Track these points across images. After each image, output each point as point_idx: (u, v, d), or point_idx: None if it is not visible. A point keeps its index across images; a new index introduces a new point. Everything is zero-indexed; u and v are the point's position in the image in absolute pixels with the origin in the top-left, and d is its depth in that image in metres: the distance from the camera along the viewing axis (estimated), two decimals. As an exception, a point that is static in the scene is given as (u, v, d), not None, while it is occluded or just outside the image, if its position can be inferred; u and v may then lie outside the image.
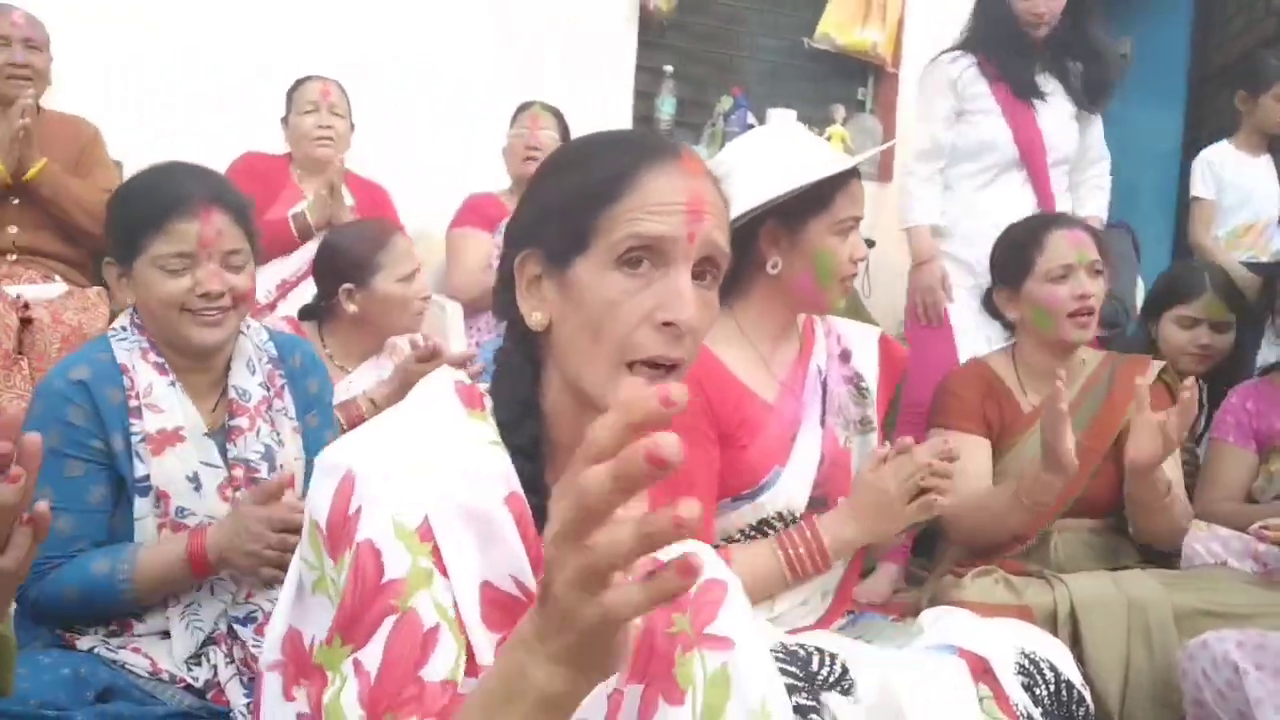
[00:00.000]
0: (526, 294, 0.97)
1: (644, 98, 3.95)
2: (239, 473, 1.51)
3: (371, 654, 0.83)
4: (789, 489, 1.62)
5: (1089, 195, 3.09)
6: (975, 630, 1.58)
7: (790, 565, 1.58)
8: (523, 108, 3.15)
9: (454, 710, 0.81)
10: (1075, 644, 1.81)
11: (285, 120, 3.06)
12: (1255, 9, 4.31)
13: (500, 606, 0.90)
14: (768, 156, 1.62)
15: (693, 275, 0.95)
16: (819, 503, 1.65)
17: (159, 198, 1.48)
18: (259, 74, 3.32)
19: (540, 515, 0.96)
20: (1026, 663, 1.52)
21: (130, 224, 1.49)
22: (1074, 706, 1.51)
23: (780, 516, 1.62)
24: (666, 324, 0.92)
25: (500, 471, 0.92)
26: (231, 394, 1.55)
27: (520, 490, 0.93)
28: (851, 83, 4.32)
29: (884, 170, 4.19)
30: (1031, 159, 2.95)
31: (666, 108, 3.96)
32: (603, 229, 0.93)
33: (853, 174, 1.63)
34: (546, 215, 0.97)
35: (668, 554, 0.89)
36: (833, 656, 1.43)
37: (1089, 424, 2.05)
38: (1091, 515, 2.08)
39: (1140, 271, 3.68)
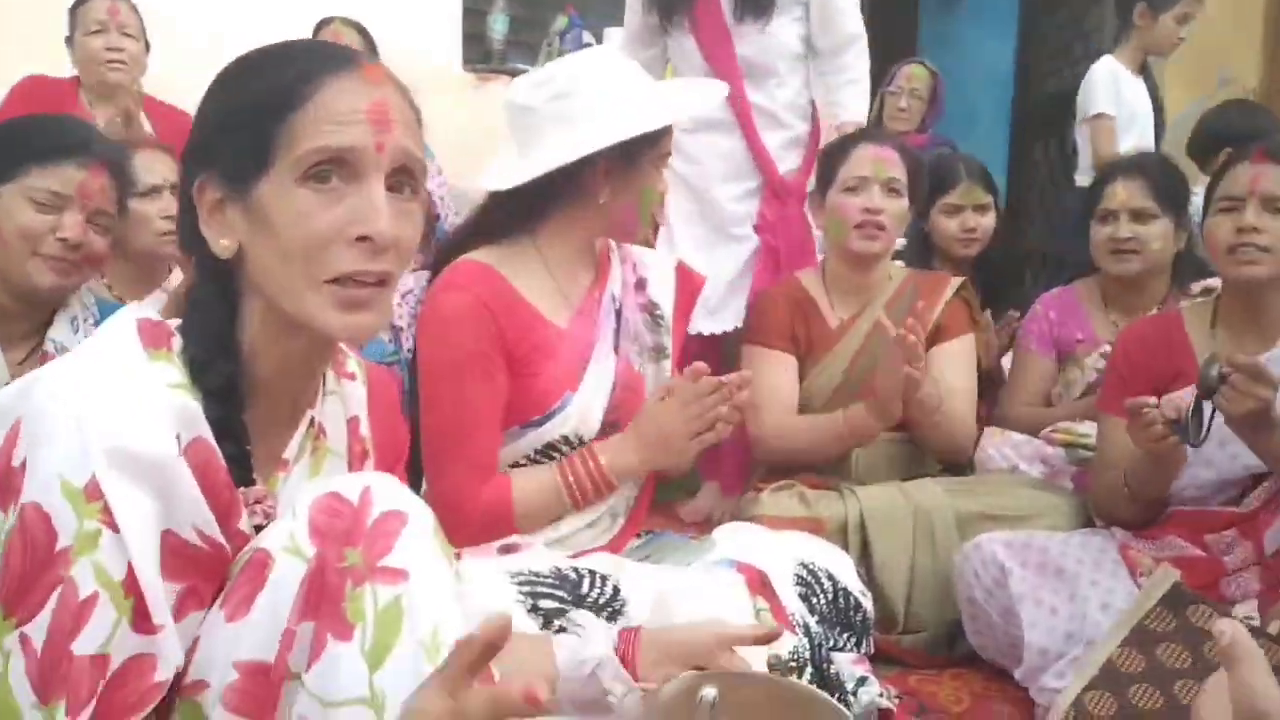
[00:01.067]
0: (210, 221, 0.92)
1: (474, 15, 3.82)
2: None
3: (38, 627, 0.78)
4: (580, 414, 1.61)
5: (839, 94, 2.60)
6: (759, 545, 1.61)
7: (570, 490, 1.57)
8: (322, 23, 2.97)
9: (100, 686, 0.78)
10: (865, 551, 1.87)
11: (70, 40, 2.83)
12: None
13: (182, 555, 0.85)
14: (617, 93, 1.58)
15: (388, 188, 0.91)
16: (612, 428, 1.64)
17: (59, 135, 1.51)
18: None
19: (237, 460, 0.91)
20: (805, 573, 1.55)
21: (15, 147, 1.48)
22: (851, 613, 1.56)
23: (567, 440, 1.61)
24: (361, 238, 0.89)
25: (180, 416, 0.86)
26: (49, 347, 1.53)
27: (207, 435, 0.88)
28: None
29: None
30: (718, 67, 2.53)
31: (499, 26, 3.84)
32: (284, 144, 0.88)
33: None
34: (221, 134, 0.92)
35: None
36: (604, 578, 1.43)
37: (890, 341, 2.08)
38: (891, 429, 2.12)
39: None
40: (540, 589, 1.39)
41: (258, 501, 0.95)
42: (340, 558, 0.82)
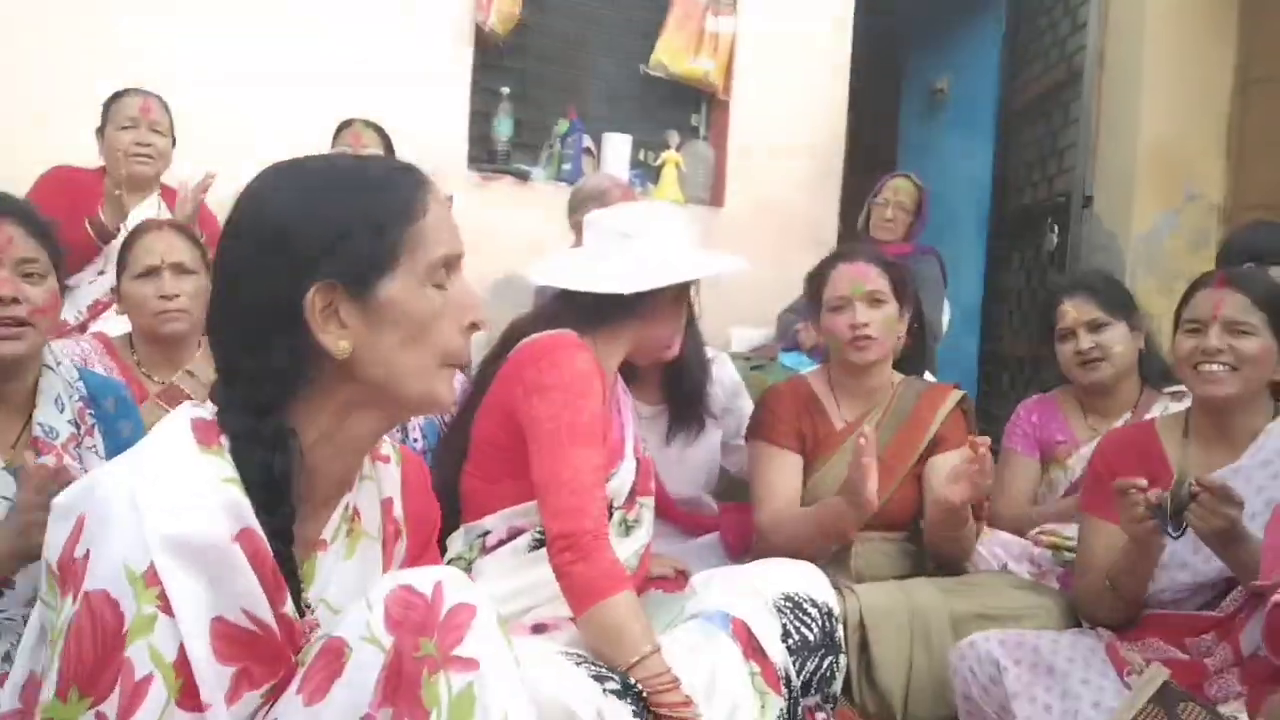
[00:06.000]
0: (324, 328, 0.99)
1: (480, 118, 3.98)
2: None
3: (112, 706, 0.85)
4: (622, 480, 1.84)
5: None
6: (740, 587, 1.74)
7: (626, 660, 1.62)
8: (344, 125, 3.12)
9: None
10: (864, 648, 1.94)
11: (100, 133, 2.95)
12: (1051, 56, 4.66)
13: (232, 640, 0.92)
14: (684, 235, 1.92)
15: None
16: (630, 496, 1.85)
17: None
18: (77, 87, 3.19)
19: (283, 552, 0.98)
20: (791, 605, 1.71)
21: None
22: (834, 634, 1.73)
23: (611, 501, 1.79)
24: (473, 325, 1.06)
25: (232, 508, 0.94)
26: (38, 431, 1.54)
27: (255, 526, 0.95)
28: (685, 109, 4.46)
29: (717, 195, 4.35)
30: None
31: (503, 128, 4.00)
32: (408, 249, 1.01)
33: None
34: (340, 243, 0.99)
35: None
36: None
37: (890, 444, 2.19)
38: (890, 529, 2.21)
39: (949, 294, 3.93)
40: (593, 665, 1.51)
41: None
42: (416, 647, 0.90)
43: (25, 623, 1.41)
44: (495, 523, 1.78)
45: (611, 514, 1.79)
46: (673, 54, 4.24)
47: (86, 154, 2.98)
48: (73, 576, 0.88)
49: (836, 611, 1.72)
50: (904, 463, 2.21)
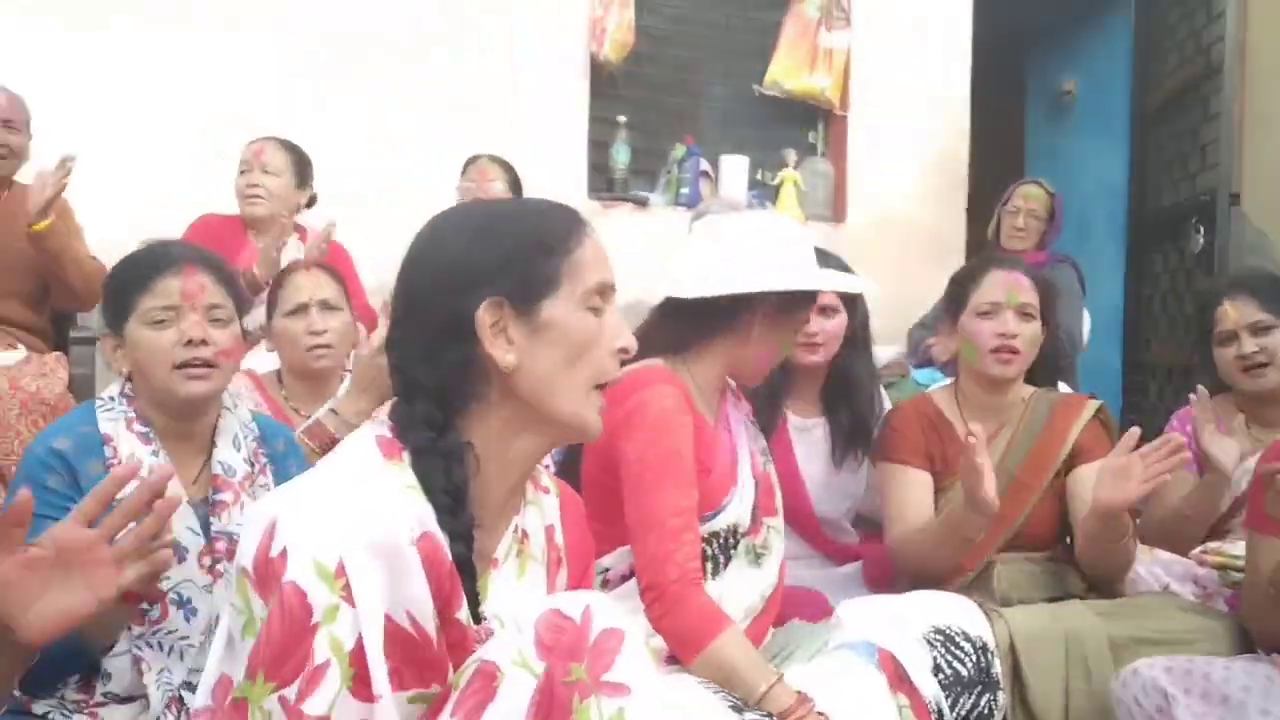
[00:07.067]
0: (494, 341, 1.07)
1: (599, 147, 4.03)
2: (221, 545, 1.56)
3: (293, 691, 0.90)
4: (739, 508, 1.74)
5: None
6: (889, 618, 1.68)
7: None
8: (471, 160, 3.20)
9: None
10: (1016, 676, 1.85)
11: (240, 180, 3.10)
12: (1186, 49, 4.45)
13: (395, 640, 0.96)
14: (788, 249, 1.77)
15: None
16: (753, 518, 1.78)
17: (145, 260, 1.62)
18: (214, 138, 3.37)
19: (464, 557, 1.03)
20: (942, 639, 1.64)
21: (121, 288, 1.60)
22: (990, 669, 1.66)
23: (733, 531, 1.73)
24: (622, 349, 1.13)
25: (412, 512, 1.00)
26: (217, 469, 1.62)
27: (435, 532, 1.00)
28: (802, 126, 4.43)
29: (838, 212, 4.29)
30: None
31: (621, 156, 4.04)
32: (568, 274, 1.09)
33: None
34: (509, 265, 1.07)
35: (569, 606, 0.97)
36: None
37: (1025, 460, 2.10)
38: (1031, 548, 2.12)
39: (1087, 303, 3.77)
40: (729, 694, 1.49)
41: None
42: (566, 672, 0.92)
43: (202, 647, 1.48)
44: (613, 560, 1.76)
45: (737, 544, 1.74)
46: (787, 72, 4.22)
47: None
48: (270, 574, 0.94)
49: (991, 646, 1.65)
50: (1041, 479, 2.11)
